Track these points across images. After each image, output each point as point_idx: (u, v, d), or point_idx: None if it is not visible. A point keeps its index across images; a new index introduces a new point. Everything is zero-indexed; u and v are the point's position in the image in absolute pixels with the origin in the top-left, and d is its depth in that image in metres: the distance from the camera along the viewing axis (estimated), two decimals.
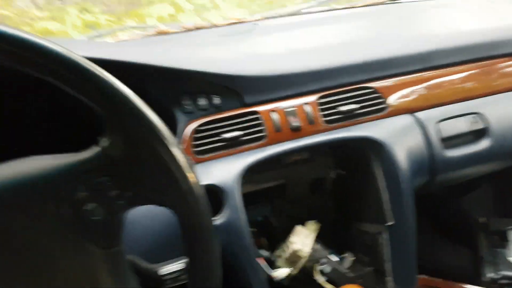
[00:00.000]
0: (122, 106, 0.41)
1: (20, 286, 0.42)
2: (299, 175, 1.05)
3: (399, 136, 0.89)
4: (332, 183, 1.07)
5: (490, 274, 1.10)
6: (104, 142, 0.43)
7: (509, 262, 1.14)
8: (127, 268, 0.48)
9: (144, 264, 0.59)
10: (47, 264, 0.42)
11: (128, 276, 0.48)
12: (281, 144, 0.86)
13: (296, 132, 0.87)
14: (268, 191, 1.03)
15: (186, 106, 0.83)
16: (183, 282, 0.58)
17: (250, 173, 1.00)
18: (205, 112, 0.85)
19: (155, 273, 0.58)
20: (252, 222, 1.03)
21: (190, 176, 0.44)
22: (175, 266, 0.58)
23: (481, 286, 0.99)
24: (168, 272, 0.57)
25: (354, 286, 0.67)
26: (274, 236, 1.01)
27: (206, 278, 0.45)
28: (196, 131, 0.82)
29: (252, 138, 0.85)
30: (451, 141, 0.93)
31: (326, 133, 0.88)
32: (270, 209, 1.06)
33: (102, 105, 0.41)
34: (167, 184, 0.44)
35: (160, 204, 0.45)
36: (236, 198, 0.78)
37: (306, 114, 0.88)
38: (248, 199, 1.01)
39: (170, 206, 0.45)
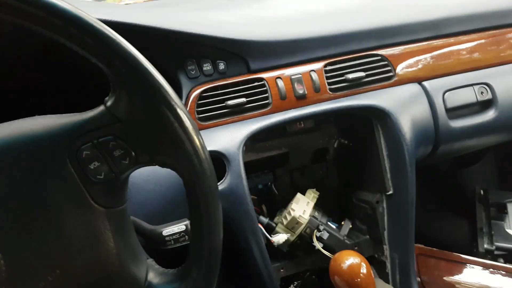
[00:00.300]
0: (128, 66, 0.40)
1: (23, 245, 0.42)
2: (302, 144, 1.05)
3: (405, 106, 0.88)
4: (334, 153, 1.07)
5: (485, 245, 1.12)
6: (110, 101, 0.43)
7: (505, 234, 1.15)
8: (130, 227, 0.48)
9: (147, 225, 0.60)
10: (50, 223, 0.42)
11: (131, 235, 0.48)
12: (285, 112, 0.85)
13: (301, 100, 0.86)
14: (271, 160, 1.03)
15: (190, 71, 0.82)
16: (184, 244, 0.59)
17: (253, 142, 1.00)
18: (210, 78, 0.83)
19: (158, 234, 0.58)
20: (253, 190, 1.04)
21: (196, 137, 0.43)
22: (177, 227, 0.58)
23: (477, 257, 1.00)
24: (170, 233, 0.58)
25: (350, 251, 0.68)
26: (275, 204, 1.03)
27: (207, 239, 0.45)
28: (200, 97, 0.81)
29: (256, 105, 0.84)
30: (456, 111, 0.92)
31: (331, 101, 0.87)
32: (271, 177, 1.06)
33: (109, 64, 0.40)
34: (172, 145, 0.43)
35: (164, 165, 0.45)
36: (239, 164, 0.78)
37: (312, 81, 0.86)
38: (251, 167, 1.02)
39: (175, 168, 0.45)
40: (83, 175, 0.43)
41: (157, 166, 0.46)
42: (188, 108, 0.81)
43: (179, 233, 0.58)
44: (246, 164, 0.98)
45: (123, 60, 0.40)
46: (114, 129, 0.43)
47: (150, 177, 0.75)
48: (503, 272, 0.93)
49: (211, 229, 0.45)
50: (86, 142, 0.42)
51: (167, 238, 0.58)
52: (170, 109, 0.42)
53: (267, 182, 1.06)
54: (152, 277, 0.48)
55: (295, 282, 0.94)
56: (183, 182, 0.45)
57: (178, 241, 0.58)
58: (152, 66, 0.42)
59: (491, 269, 0.92)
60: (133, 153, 0.44)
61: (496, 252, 1.09)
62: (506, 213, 1.19)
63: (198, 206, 0.45)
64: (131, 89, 0.42)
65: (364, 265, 0.65)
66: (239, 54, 0.83)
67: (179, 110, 0.42)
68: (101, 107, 0.43)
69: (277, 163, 1.06)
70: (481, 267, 0.93)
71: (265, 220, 0.92)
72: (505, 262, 1.02)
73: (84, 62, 0.42)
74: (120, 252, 0.46)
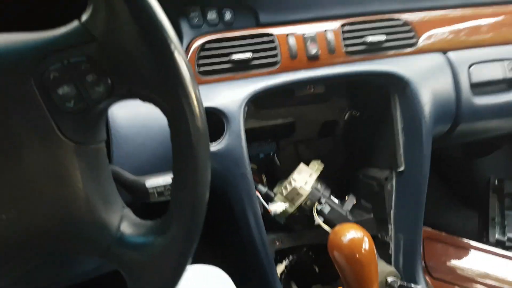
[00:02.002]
0: None
1: None
2: (310, 115, 0.99)
3: (426, 76, 0.80)
4: (344, 126, 1.00)
5: (497, 236, 1.06)
6: (86, 16, 0.36)
7: None
8: (105, 170, 0.42)
9: (129, 175, 0.54)
10: (7, 154, 0.36)
11: (106, 180, 0.42)
12: (295, 72, 0.78)
13: (313, 61, 0.79)
14: (275, 129, 0.97)
15: (193, 18, 0.75)
16: (170, 198, 0.53)
17: (257, 108, 0.93)
18: (214, 28, 0.76)
19: (140, 184, 0.52)
20: (254, 159, 0.98)
21: (185, 69, 0.37)
22: (162, 179, 0.52)
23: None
24: (154, 185, 0.52)
25: (353, 224, 0.62)
26: (276, 175, 0.97)
27: (192, 190, 0.38)
28: (202, 48, 0.74)
29: (263, 63, 0.77)
30: (481, 87, 0.84)
31: (346, 64, 0.79)
32: (274, 147, 1.00)
33: None
34: (155, 76, 0.36)
35: (146, 99, 0.38)
36: (239, 124, 0.72)
37: (327, 41, 0.79)
38: (253, 135, 0.95)
39: (158, 103, 0.38)
40: (50, 102, 0.37)
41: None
42: (188, 60, 0.74)
43: (165, 186, 0.52)
44: (247, 131, 0.92)
45: None
46: (88, 49, 0.37)
47: (140, 130, 0.69)
48: None
49: (197, 178, 0.39)
50: (55, 63, 0.36)
51: (150, 190, 0.52)
52: (154, 30, 0.35)
53: (269, 152, 1.00)
54: (126, 227, 0.42)
55: (290, 256, 0.89)
56: (168, 121, 0.39)
57: (162, 194, 0.52)
58: None
59: (502, 258, 0.86)
60: (109, 80, 0.37)
61: (507, 244, 1.03)
62: None
63: (184, 149, 0.38)
64: (114, 3, 0.35)
65: (367, 240, 0.59)
66: (248, 4, 0.76)
67: (165, 33, 0.36)
68: (75, 23, 0.37)
69: (282, 133, 1.00)
70: (491, 255, 0.86)
71: (263, 189, 0.86)
72: None
73: None
74: (90, 195, 0.40)
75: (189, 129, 0.37)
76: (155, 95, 0.38)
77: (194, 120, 0.37)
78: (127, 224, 0.43)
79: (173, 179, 0.39)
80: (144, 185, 0.52)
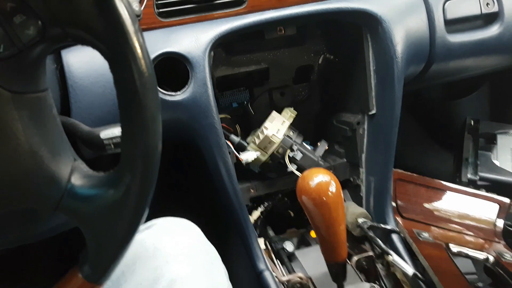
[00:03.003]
0: None
1: None
2: (284, 60, 0.95)
3: (400, 13, 0.77)
4: (319, 70, 0.97)
5: (469, 175, 1.08)
6: None
7: (491, 164, 1.10)
8: (51, 120, 0.40)
9: (84, 127, 0.51)
10: None
11: (52, 129, 0.40)
12: (262, 12, 0.74)
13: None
14: (248, 77, 0.94)
15: None
16: None
17: (228, 54, 0.89)
18: None
19: (95, 136, 0.50)
20: (227, 109, 0.96)
21: (122, 6, 0.33)
22: (118, 129, 0.49)
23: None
24: (109, 136, 0.49)
25: (320, 169, 0.62)
26: (250, 125, 0.95)
27: (141, 137, 0.36)
28: None
29: (228, 2, 0.73)
30: (456, 24, 0.81)
31: (318, 2, 0.75)
32: (247, 96, 0.97)
33: None
34: (90, 15, 0.33)
35: (83, 42, 0.35)
36: (204, 71, 0.69)
37: None
38: (225, 83, 0.92)
39: (96, 46, 0.35)
40: None
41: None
42: (146, 1, 0.69)
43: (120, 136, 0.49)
44: (219, 79, 0.90)
45: None
46: None
47: (98, 79, 0.65)
48: (484, 201, 0.89)
49: (147, 127, 0.36)
50: None
51: (106, 142, 0.49)
52: None
53: (243, 100, 0.98)
54: (77, 179, 0.40)
55: (266, 203, 0.89)
56: (109, 66, 0.36)
57: (119, 145, 0.50)
58: None
59: (473, 197, 0.88)
60: (39, 21, 0.34)
61: (479, 183, 1.05)
62: (495, 144, 1.13)
63: (129, 97, 0.36)
64: None
65: (334, 183, 0.59)
66: None
67: None
68: None
69: (256, 81, 0.96)
70: (462, 195, 0.88)
71: (236, 139, 0.85)
72: (487, 193, 0.98)
73: None
74: (34, 147, 0.38)
75: (132, 74, 0.34)
76: (92, 37, 0.34)
77: (137, 64, 0.34)
78: (78, 175, 0.41)
79: (122, 129, 0.37)
80: (98, 136, 0.50)
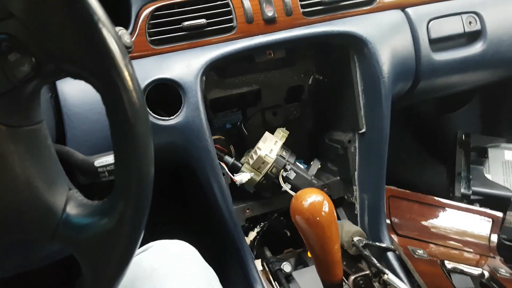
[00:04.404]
0: None
1: None
2: (275, 81, 0.97)
3: (385, 34, 0.79)
4: (309, 91, 0.99)
5: (462, 190, 1.09)
6: None
7: (483, 178, 1.12)
8: (46, 151, 0.41)
9: (79, 155, 0.52)
10: None
11: (48, 160, 0.41)
12: (252, 37, 0.76)
13: (271, 24, 0.77)
14: (241, 98, 0.95)
15: None
16: None
17: (221, 77, 0.91)
18: None
19: (90, 164, 0.51)
20: (221, 130, 0.97)
21: (112, 41, 0.34)
22: (112, 157, 0.50)
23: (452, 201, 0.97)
24: (103, 163, 0.50)
25: (313, 189, 0.63)
26: (244, 145, 0.96)
27: (135, 166, 0.37)
28: (153, 16, 0.71)
29: (219, 28, 0.74)
30: (441, 43, 0.83)
31: (305, 27, 0.77)
32: (240, 116, 0.99)
33: None
34: (81, 51, 0.34)
35: (77, 77, 0.36)
36: (196, 95, 0.70)
37: (284, 3, 0.76)
38: (218, 105, 0.94)
39: (89, 80, 0.36)
40: None
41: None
42: (138, 29, 0.71)
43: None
44: (213, 101, 0.91)
45: None
46: (7, 26, 0.34)
47: (93, 107, 0.66)
48: (478, 216, 0.90)
49: (139, 155, 0.37)
50: None
51: (100, 170, 0.50)
52: (77, 1, 0.33)
53: (236, 121, 0.99)
54: (72, 208, 0.41)
55: (262, 223, 0.89)
56: (101, 98, 0.37)
57: (113, 173, 0.51)
58: None
59: (466, 213, 0.88)
60: (33, 58, 0.35)
61: (472, 197, 1.06)
62: (487, 157, 1.14)
63: (121, 127, 0.37)
64: None
65: (327, 203, 0.59)
66: None
67: (88, 4, 0.33)
68: None
69: (248, 101, 0.98)
70: (455, 210, 0.89)
71: (230, 160, 0.85)
72: (480, 207, 0.99)
73: None
74: (30, 179, 0.39)
75: (124, 106, 0.35)
76: (84, 72, 0.36)
77: (128, 96, 0.35)
78: (73, 205, 0.42)
79: (115, 157, 0.38)
80: (93, 164, 0.50)
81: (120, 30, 0.41)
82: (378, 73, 0.77)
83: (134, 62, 0.69)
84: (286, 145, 0.88)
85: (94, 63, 0.35)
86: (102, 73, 0.35)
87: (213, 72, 0.91)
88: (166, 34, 0.71)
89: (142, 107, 0.36)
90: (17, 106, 0.37)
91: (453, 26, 0.83)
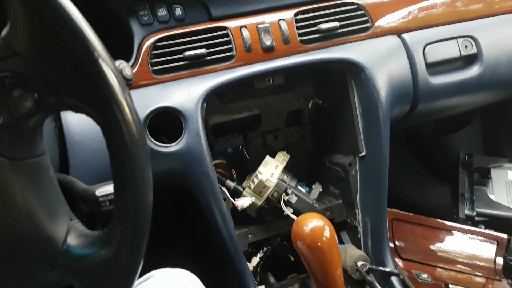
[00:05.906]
0: None
1: None
2: (275, 105, 0.98)
3: (381, 60, 0.80)
4: (309, 114, 1.00)
5: (466, 211, 1.08)
6: (5, 30, 0.35)
7: (487, 199, 1.11)
8: (47, 182, 0.41)
9: (81, 184, 0.53)
10: None
11: (49, 192, 0.41)
12: (251, 65, 0.78)
13: (269, 53, 0.78)
14: (242, 122, 0.97)
15: (143, 17, 0.73)
16: None
17: (222, 103, 0.93)
18: (166, 25, 0.75)
19: (91, 194, 0.51)
20: (222, 154, 0.98)
21: (112, 76, 0.36)
22: (112, 186, 0.51)
23: (456, 223, 0.96)
24: (104, 193, 0.51)
25: (313, 214, 0.63)
26: (246, 169, 0.97)
27: (133, 197, 0.38)
28: (155, 46, 0.73)
29: (218, 57, 0.76)
30: (437, 67, 0.85)
31: (302, 54, 0.79)
32: (241, 140, 1.00)
33: None
34: (82, 86, 0.36)
35: (77, 110, 0.38)
36: (197, 122, 0.72)
37: (281, 32, 0.78)
38: (220, 130, 0.95)
39: (89, 113, 0.37)
40: None
41: None
42: (140, 60, 0.73)
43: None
44: (214, 127, 0.92)
45: None
46: (11, 64, 0.36)
47: (95, 135, 0.68)
48: (482, 238, 0.89)
49: (137, 186, 0.38)
50: None
51: (101, 199, 0.51)
52: (77, 40, 0.34)
53: (237, 145, 1.00)
54: (72, 238, 0.42)
55: (265, 248, 0.89)
56: (101, 130, 0.38)
57: (113, 202, 0.51)
58: None
59: (470, 235, 0.87)
60: (35, 94, 0.37)
61: (476, 218, 1.05)
62: (490, 178, 1.14)
63: (121, 158, 0.38)
64: (31, 15, 0.34)
65: (328, 228, 0.59)
66: None
67: (89, 42, 0.35)
68: None
69: (249, 126, 0.99)
70: (459, 233, 0.88)
71: (232, 184, 0.86)
72: (485, 228, 0.98)
73: None
74: (32, 210, 0.40)
75: (124, 138, 0.36)
76: (84, 105, 0.37)
77: (128, 128, 0.36)
78: (73, 235, 0.43)
79: (114, 187, 0.39)
80: (94, 193, 0.51)
81: (121, 64, 0.43)
82: (375, 98, 0.78)
83: (137, 91, 0.71)
84: (287, 169, 0.89)
85: (94, 96, 0.36)
86: (102, 106, 0.36)
87: (214, 97, 0.92)
88: (168, 64, 0.73)
89: (141, 138, 0.38)
90: (20, 140, 0.38)
91: (449, 50, 0.85)
